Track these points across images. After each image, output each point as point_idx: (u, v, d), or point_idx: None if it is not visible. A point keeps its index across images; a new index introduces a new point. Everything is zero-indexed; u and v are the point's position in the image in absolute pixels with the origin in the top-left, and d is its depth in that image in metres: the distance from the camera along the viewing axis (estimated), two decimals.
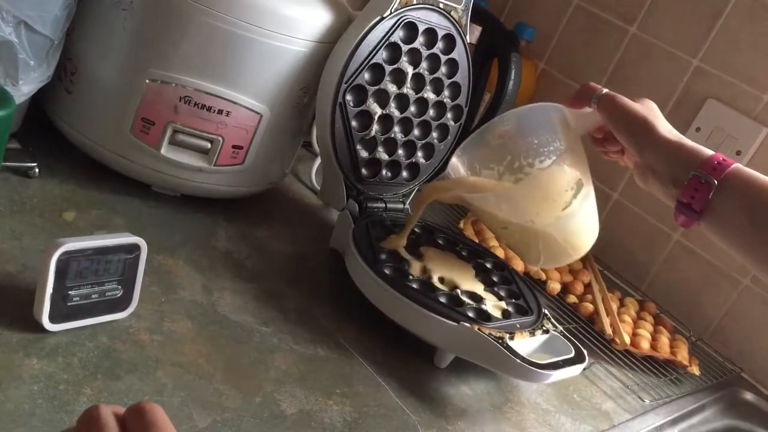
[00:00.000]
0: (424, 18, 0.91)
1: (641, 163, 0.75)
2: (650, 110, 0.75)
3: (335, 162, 0.92)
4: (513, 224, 0.81)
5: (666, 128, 0.74)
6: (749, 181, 0.68)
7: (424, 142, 0.99)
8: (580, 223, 0.81)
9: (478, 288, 0.87)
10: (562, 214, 0.78)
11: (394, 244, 0.88)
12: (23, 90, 0.76)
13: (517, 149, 0.85)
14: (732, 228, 0.68)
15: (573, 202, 0.78)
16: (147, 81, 0.81)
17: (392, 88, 0.92)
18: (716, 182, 0.67)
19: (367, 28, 0.86)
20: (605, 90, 0.77)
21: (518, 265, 1.06)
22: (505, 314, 0.83)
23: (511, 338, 0.78)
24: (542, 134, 0.84)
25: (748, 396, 1.09)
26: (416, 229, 0.95)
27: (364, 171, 0.94)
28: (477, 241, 1.08)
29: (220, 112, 0.83)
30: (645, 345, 1.02)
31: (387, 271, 0.82)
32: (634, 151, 0.75)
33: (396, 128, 0.95)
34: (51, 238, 0.65)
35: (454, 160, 0.87)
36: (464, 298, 0.83)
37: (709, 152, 0.70)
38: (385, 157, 0.96)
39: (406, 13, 0.89)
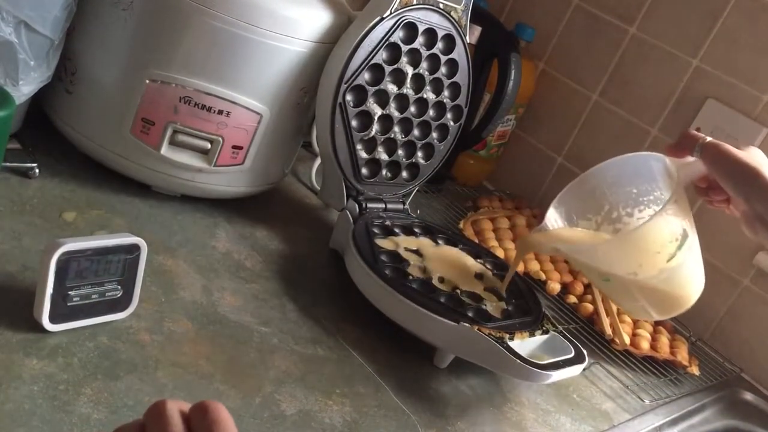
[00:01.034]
0: (424, 18, 0.91)
1: (750, 212, 0.72)
2: (756, 157, 0.73)
3: (335, 162, 0.92)
4: (614, 276, 0.78)
5: None
6: None
7: (424, 142, 0.99)
8: (685, 274, 0.78)
9: (478, 288, 0.87)
10: (666, 266, 0.75)
11: (389, 244, 0.88)
12: (23, 90, 0.76)
13: (616, 199, 0.83)
14: None
15: (677, 253, 0.75)
16: (147, 81, 0.81)
17: (392, 89, 0.92)
18: None
19: (367, 29, 0.86)
20: (708, 138, 0.75)
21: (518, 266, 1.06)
22: (505, 314, 0.83)
23: (511, 338, 0.78)
24: (641, 183, 0.81)
25: (748, 396, 1.09)
26: (416, 229, 0.95)
27: (364, 171, 0.94)
28: (477, 241, 1.08)
29: (220, 112, 0.83)
30: (645, 345, 1.02)
31: (387, 271, 0.82)
32: (741, 200, 0.72)
33: (396, 128, 0.95)
34: (51, 238, 0.65)
35: (551, 211, 0.85)
36: (464, 298, 0.83)
37: None
38: (384, 157, 0.96)
39: (406, 14, 0.89)
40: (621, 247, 0.78)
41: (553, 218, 0.85)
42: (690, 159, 0.76)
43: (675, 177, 0.76)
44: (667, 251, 0.75)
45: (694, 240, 0.77)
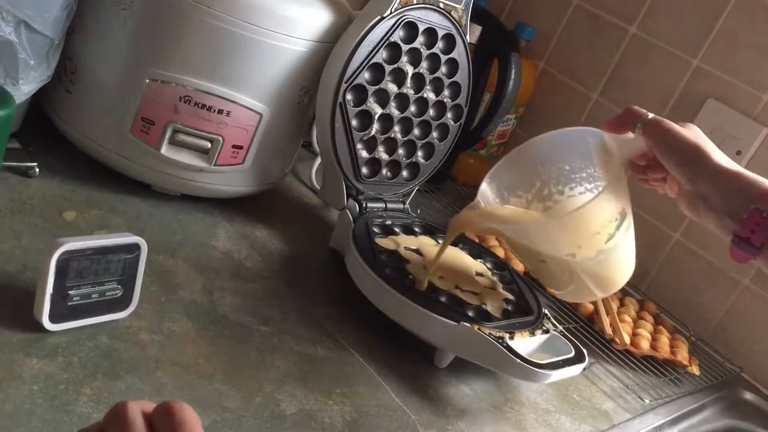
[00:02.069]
0: (424, 18, 0.91)
1: (692, 192, 0.70)
2: (699, 136, 0.71)
3: (335, 162, 0.92)
4: (550, 258, 0.76)
5: (720, 156, 0.70)
6: None
7: (424, 141, 0.99)
8: (622, 254, 0.76)
9: (478, 287, 0.86)
10: (604, 247, 0.73)
11: (389, 243, 0.88)
12: (23, 90, 0.76)
13: (548, 176, 0.81)
14: None
15: (616, 234, 0.73)
16: (147, 81, 0.81)
17: (392, 88, 0.92)
18: None
19: (367, 28, 0.86)
20: (651, 115, 0.73)
21: (518, 266, 1.06)
22: (505, 314, 0.83)
23: (511, 338, 0.78)
24: (575, 160, 0.79)
25: (748, 396, 1.09)
26: (416, 229, 0.95)
27: (364, 171, 0.94)
28: (477, 241, 1.08)
29: (220, 111, 0.83)
30: (645, 345, 1.02)
31: (387, 271, 0.82)
32: (684, 180, 0.70)
33: (396, 128, 0.95)
34: (51, 238, 0.65)
35: (483, 186, 0.83)
36: (464, 298, 0.83)
37: None
38: (385, 156, 0.96)
39: (406, 13, 0.89)
40: (561, 228, 0.75)
41: (485, 194, 0.82)
42: (630, 135, 0.74)
43: (614, 154, 0.74)
44: (607, 232, 0.73)
45: (631, 220, 0.75)
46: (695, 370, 1.04)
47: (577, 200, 0.76)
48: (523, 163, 0.82)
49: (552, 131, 0.81)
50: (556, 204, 0.80)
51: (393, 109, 0.94)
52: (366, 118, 0.92)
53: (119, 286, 0.65)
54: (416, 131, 0.97)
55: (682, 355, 1.05)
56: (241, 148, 0.87)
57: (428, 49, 0.93)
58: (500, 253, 1.06)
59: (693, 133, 0.72)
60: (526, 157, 0.82)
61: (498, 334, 0.77)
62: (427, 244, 0.92)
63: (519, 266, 1.06)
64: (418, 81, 0.94)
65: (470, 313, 0.80)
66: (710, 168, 0.69)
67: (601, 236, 0.73)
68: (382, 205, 0.97)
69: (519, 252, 0.85)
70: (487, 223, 0.80)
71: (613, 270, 0.77)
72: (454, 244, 0.95)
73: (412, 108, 0.95)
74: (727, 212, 0.67)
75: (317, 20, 0.86)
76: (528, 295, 0.89)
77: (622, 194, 0.73)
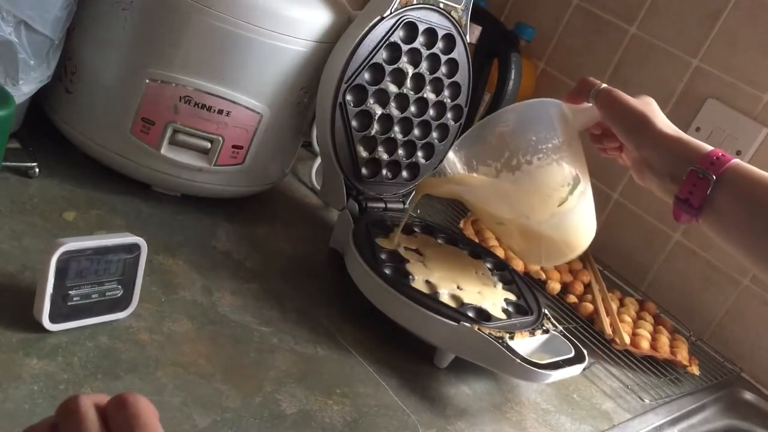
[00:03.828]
0: (424, 18, 0.91)
1: (638, 158, 0.74)
2: (648, 105, 0.75)
3: (335, 162, 0.92)
4: (507, 220, 0.80)
5: (664, 123, 0.73)
6: (748, 176, 0.67)
7: (424, 141, 0.99)
8: (576, 220, 0.80)
9: (478, 287, 0.86)
10: (558, 210, 0.77)
11: (389, 243, 0.88)
12: (23, 90, 0.76)
13: (516, 146, 0.84)
14: (730, 224, 0.68)
15: (569, 198, 0.77)
16: (147, 81, 0.81)
17: (392, 88, 0.92)
18: (715, 177, 0.67)
19: (367, 28, 0.86)
20: (604, 85, 0.77)
21: (518, 265, 1.06)
22: (505, 314, 0.83)
23: (511, 338, 0.78)
24: (541, 131, 0.82)
25: (748, 396, 1.09)
26: (416, 229, 0.95)
27: (364, 171, 0.94)
28: (477, 241, 1.08)
29: (220, 112, 0.83)
30: (645, 345, 1.02)
31: (387, 271, 0.82)
32: (631, 146, 0.74)
33: (396, 128, 0.95)
34: (51, 238, 0.65)
35: (450, 155, 0.86)
36: (464, 298, 0.83)
37: (708, 147, 0.70)
38: (385, 156, 0.96)
39: (406, 13, 0.89)
40: (513, 190, 0.79)
41: (452, 161, 0.86)
42: (587, 105, 0.78)
43: (571, 122, 0.78)
44: (558, 195, 0.77)
45: (586, 187, 0.79)
46: (695, 370, 1.04)
47: (556, 174, 0.79)
48: (491, 134, 0.85)
49: (518, 103, 0.85)
50: (525, 174, 0.84)
51: (393, 110, 0.94)
52: (366, 118, 0.92)
53: (119, 286, 0.65)
54: (416, 131, 0.97)
55: (682, 355, 1.05)
56: (241, 148, 0.87)
57: (428, 49, 0.93)
58: (500, 253, 1.06)
59: (643, 102, 0.75)
60: (494, 127, 0.85)
61: (498, 334, 0.77)
62: (427, 243, 0.92)
63: (519, 266, 1.06)
64: (418, 81, 0.94)
65: (470, 313, 0.80)
66: (654, 134, 0.72)
67: (553, 199, 0.77)
68: (382, 205, 0.97)
69: (480, 216, 0.89)
70: (448, 186, 0.85)
71: (567, 234, 0.80)
72: (454, 243, 0.95)
73: (412, 108, 0.95)
74: (669, 175, 0.71)
75: (317, 20, 0.86)
76: (528, 295, 0.89)
77: (575, 161, 0.77)
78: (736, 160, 0.68)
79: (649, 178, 0.74)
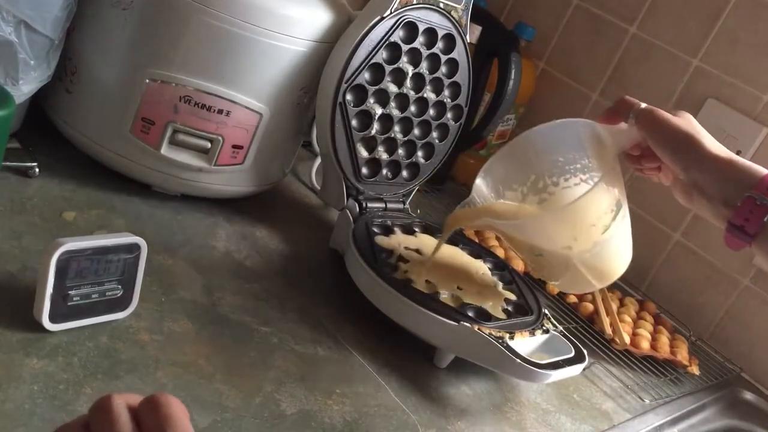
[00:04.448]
0: (424, 18, 0.91)
1: (686, 181, 0.71)
2: (691, 123, 0.72)
3: (335, 162, 0.92)
4: (548, 251, 0.76)
5: (712, 143, 0.70)
6: None
7: (424, 141, 0.99)
8: (618, 244, 0.76)
9: (478, 287, 0.86)
10: (601, 239, 0.73)
11: (389, 243, 0.88)
12: (23, 90, 0.76)
13: (541, 168, 0.81)
14: None
15: (612, 225, 0.73)
16: (147, 81, 0.81)
17: (392, 88, 0.92)
18: None
19: (367, 28, 0.86)
20: (643, 105, 0.73)
21: (518, 265, 1.06)
22: (505, 314, 0.83)
23: (511, 338, 0.78)
24: (568, 152, 0.79)
25: (748, 396, 1.09)
26: (416, 229, 0.95)
27: (364, 171, 0.94)
28: (477, 240, 1.08)
29: (220, 111, 0.83)
30: (645, 345, 1.02)
31: (387, 271, 0.82)
32: (678, 168, 0.71)
33: (396, 128, 0.95)
34: (51, 238, 0.65)
35: (478, 181, 0.83)
36: (464, 298, 0.83)
37: (764, 171, 0.67)
38: (385, 156, 0.96)
39: (406, 13, 0.89)
40: (556, 221, 0.75)
41: (480, 189, 0.82)
42: (624, 126, 0.74)
43: (608, 144, 0.74)
44: (603, 223, 0.73)
45: (626, 210, 0.75)
46: (695, 370, 1.04)
47: (573, 191, 0.76)
48: (516, 157, 0.82)
49: (544, 123, 0.81)
50: (552, 196, 0.81)
51: (393, 109, 0.94)
52: (366, 118, 0.92)
53: (119, 286, 0.65)
54: (416, 131, 0.97)
55: (682, 355, 1.05)
56: (241, 148, 0.87)
57: (428, 49, 0.93)
58: (500, 253, 1.06)
59: (685, 121, 0.72)
60: (519, 150, 0.82)
61: (498, 334, 0.77)
62: (427, 244, 0.92)
63: (519, 266, 1.06)
64: (418, 81, 0.94)
65: (470, 313, 0.80)
66: (703, 156, 0.69)
67: (597, 228, 0.73)
68: (382, 205, 0.97)
69: (516, 246, 0.85)
70: (482, 219, 0.81)
71: (609, 261, 0.77)
72: (454, 243, 0.95)
73: (412, 108, 0.95)
74: (721, 200, 0.68)
75: (317, 20, 0.86)
76: (528, 295, 0.89)
77: (617, 185, 0.73)
78: None
79: (699, 202, 0.70)
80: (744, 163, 0.68)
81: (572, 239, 0.73)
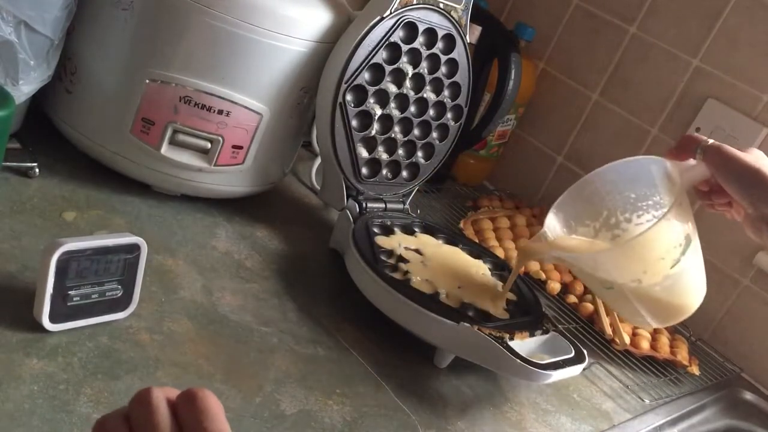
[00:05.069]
0: (424, 18, 0.91)
1: (755, 216, 0.72)
2: (760, 159, 0.72)
3: (335, 162, 0.92)
4: (618, 285, 0.77)
5: None
6: None
7: (424, 142, 0.99)
8: (689, 279, 0.77)
9: (478, 287, 0.86)
10: (671, 272, 0.74)
11: (389, 243, 0.88)
12: (23, 90, 0.76)
13: (614, 204, 0.82)
14: None
15: (681, 259, 0.74)
16: (147, 81, 0.81)
17: (392, 88, 0.92)
18: None
19: (367, 28, 0.86)
20: (711, 141, 0.74)
21: None
22: (505, 314, 0.83)
23: (511, 338, 0.78)
24: (640, 188, 0.80)
25: (748, 396, 1.09)
26: (416, 229, 0.95)
27: (364, 171, 0.94)
28: (477, 240, 1.08)
29: (220, 112, 0.83)
30: (645, 345, 1.02)
31: (387, 271, 0.82)
32: (746, 204, 0.72)
33: (396, 128, 0.95)
34: (51, 238, 0.65)
35: (550, 217, 0.84)
36: (464, 298, 0.83)
37: None
38: (385, 156, 0.96)
39: (406, 13, 0.89)
40: (625, 254, 0.76)
41: (552, 224, 0.83)
42: (692, 162, 0.75)
43: (677, 181, 0.75)
44: (671, 257, 0.74)
45: (696, 245, 0.76)
46: (695, 370, 1.04)
47: (669, 236, 0.76)
48: (588, 193, 0.83)
49: (615, 162, 0.82)
50: (625, 232, 0.81)
51: (393, 110, 0.94)
52: (366, 118, 0.92)
53: (119, 286, 0.65)
54: (416, 131, 0.97)
55: (682, 355, 1.05)
56: (241, 148, 0.87)
57: (428, 49, 0.93)
58: (500, 253, 1.06)
59: (753, 156, 0.72)
60: (591, 187, 0.83)
61: (498, 334, 0.77)
62: (427, 243, 0.92)
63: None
64: (418, 81, 0.94)
65: (470, 313, 0.80)
66: None
67: (666, 261, 0.74)
68: (382, 205, 0.97)
69: (586, 281, 0.88)
70: (554, 253, 0.82)
71: (680, 295, 0.78)
72: (454, 243, 0.95)
73: (412, 108, 0.95)
74: None
75: (317, 20, 0.86)
76: (528, 295, 0.89)
77: (685, 220, 0.74)
78: None
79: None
80: None
81: (641, 272, 0.75)
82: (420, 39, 0.92)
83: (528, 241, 0.86)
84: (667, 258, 0.74)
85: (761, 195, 0.70)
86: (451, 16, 0.93)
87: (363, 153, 0.93)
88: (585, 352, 0.82)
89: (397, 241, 0.90)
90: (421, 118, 0.96)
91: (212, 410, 0.38)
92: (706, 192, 0.78)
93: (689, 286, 0.78)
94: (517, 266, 0.88)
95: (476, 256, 0.94)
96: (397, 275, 0.83)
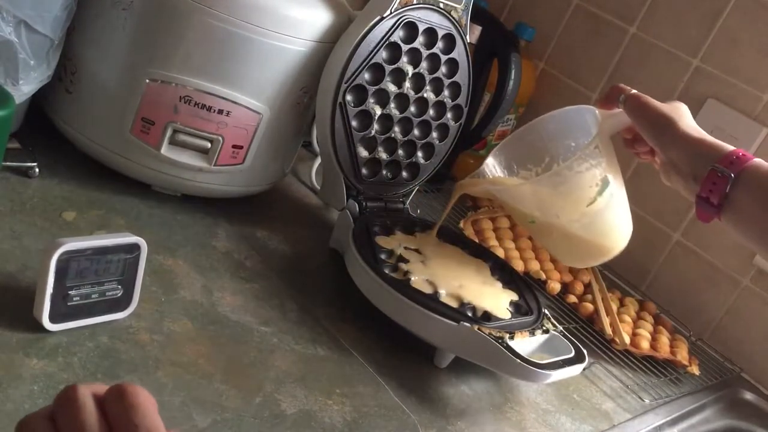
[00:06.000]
0: (424, 18, 0.91)
1: (665, 160, 0.76)
2: (675, 109, 0.76)
3: (335, 162, 0.92)
4: (539, 219, 0.83)
5: (688, 125, 0.74)
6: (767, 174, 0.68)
7: (424, 141, 0.99)
8: (608, 221, 0.82)
9: (478, 287, 0.86)
10: (587, 210, 0.79)
11: (389, 243, 0.88)
12: (23, 90, 0.76)
13: (555, 151, 0.87)
14: (748, 220, 0.69)
15: (598, 199, 0.79)
16: (147, 81, 0.81)
17: (392, 88, 0.92)
18: (733, 175, 0.68)
19: (367, 28, 0.86)
20: (633, 90, 0.78)
21: (518, 266, 1.06)
22: (506, 314, 0.83)
23: (511, 338, 0.78)
24: (579, 136, 0.85)
25: (748, 396, 1.09)
26: (416, 229, 0.95)
27: (364, 171, 0.94)
28: (477, 240, 1.08)
29: (220, 111, 0.83)
30: (645, 345, 1.02)
31: (387, 271, 0.82)
32: (657, 148, 0.76)
33: (396, 128, 0.95)
34: (51, 238, 0.65)
35: (490, 159, 0.90)
36: (464, 298, 0.83)
37: (730, 147, 0.71)
38: (385, 156, 0.96)
39: (406, 13, 0.89)
40: (542, 189, 0.82)
41: (491, 165, 0.89)
42: (617, 110, 0.80)
43: (601, 126, 0.80)
44: (587, 195, 0.79)
45: (618, 189, 0.81)
46: (695, 370, 1.04)
47: (584, 175, 0.81)
48: (531, 140, 0.89)
49: (555, 110, 0.87)
50: (554, 174, 0.86)
51: (393, 110, 0.94)
52: (366, 118, 0.92)
53: (119, 286, 0.65)
54: (416, 131, 0.97)
55: (682, 355, 1.05)
56: (241, 148, 0.87)
57: (428, 49, 0.93)
58: (500, 253, 1.06)
59: (671, 106, 0.76)
60: (533, 134, 0.89)
61: (498, 334, 0.77)
62: (427, 243, 0.92)
63: (519, 266, 1.06)
64: (418, 81, 0.94)
65: (470, 313, 0.80)
66: (677, 135, 0.74)
67: (581, 200, 0.79)
68: (382, 205, 0.97)
69: (513, 214, 0.93)
70: (484, 186, 0.88)
71: (599, 235, 0.83)
72: (454, 243, 0.95)
73: (412, 108, 0.95)
74: (692, 176, 0.72)
75: (317, 20, 0.86)
76: (528, 295, 0.89)
77: (604, 163, 0.79)
78: (757, 160, 0.69)
79: (675, 179, 0.76)
80: (713, 141, 0.73)
81: (559, 208, 0.80)
82: (420, 39, 0.92)
83: (467, 178, 0.94)
84: (583, 196, 0.79)
85: (668, 139, 0.74)
86: (451, 16, 0.93)
87: (363, 153, 0.93)
88: (585, 352, 0.82)
89: (397, 241, 0.90)
90: (421, 118, 0.96)
91: (142, 405, 0.36)
92: (630, 140, 0.82)
93: (608, 227, 0.83)
94: (452, 200, 0.93)
95: (476, 256, 0.94)
96: (397, 275, 0.83)
